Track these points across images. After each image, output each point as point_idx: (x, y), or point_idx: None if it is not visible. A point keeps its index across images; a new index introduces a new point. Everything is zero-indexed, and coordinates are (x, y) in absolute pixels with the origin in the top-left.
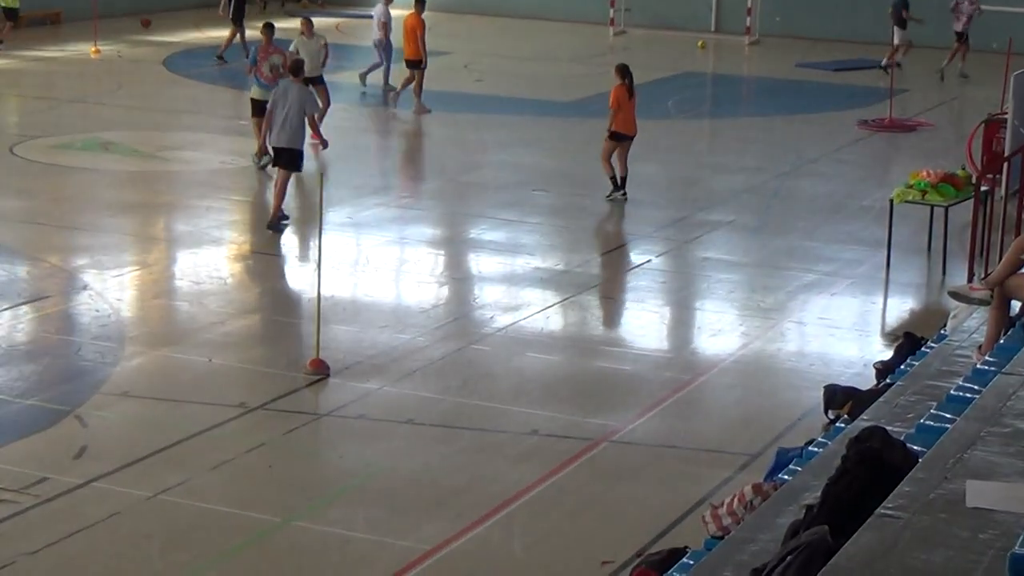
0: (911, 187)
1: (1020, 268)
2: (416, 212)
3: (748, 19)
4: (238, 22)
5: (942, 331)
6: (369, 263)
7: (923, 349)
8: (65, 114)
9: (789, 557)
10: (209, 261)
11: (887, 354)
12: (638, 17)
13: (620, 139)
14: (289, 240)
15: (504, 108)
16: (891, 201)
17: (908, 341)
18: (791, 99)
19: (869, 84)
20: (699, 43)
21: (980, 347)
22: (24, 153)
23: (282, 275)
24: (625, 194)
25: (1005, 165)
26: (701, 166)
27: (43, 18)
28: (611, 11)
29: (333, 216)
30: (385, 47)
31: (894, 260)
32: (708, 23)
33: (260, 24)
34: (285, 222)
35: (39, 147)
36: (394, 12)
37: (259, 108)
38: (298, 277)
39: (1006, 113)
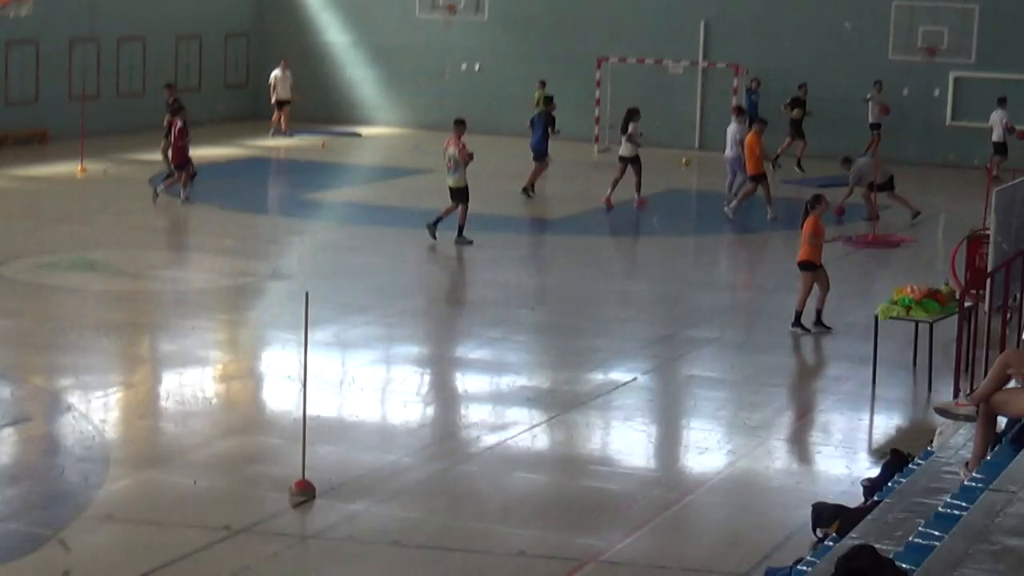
0: (896, 303)
1: (1005, 384)
2: (402, 331)
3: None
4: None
5: (929, 448)
6: (355, 382)
7: (910, 466)
8: (51, 233)
9: None
10: (195, 381)
11: (874, 471)
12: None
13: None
14: (274, 360)
15: (490, 226)
16: (876, 317)
17: (895, 458)
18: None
19: (853, 200)
20: (684, 160)
21: (967, 463)
22: (9, 273)
23: (268, 395)
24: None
25: (988, 281)
26: (687, 283)
27: (29, 137)
28: (595, 128)
29: (318, 335)
30: (739, 163)
31: (880, 376)
32: (692, 140)
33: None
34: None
35: (24, 267)
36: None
37: (455, 194)
38: (284, 397)
39: (988, 229)
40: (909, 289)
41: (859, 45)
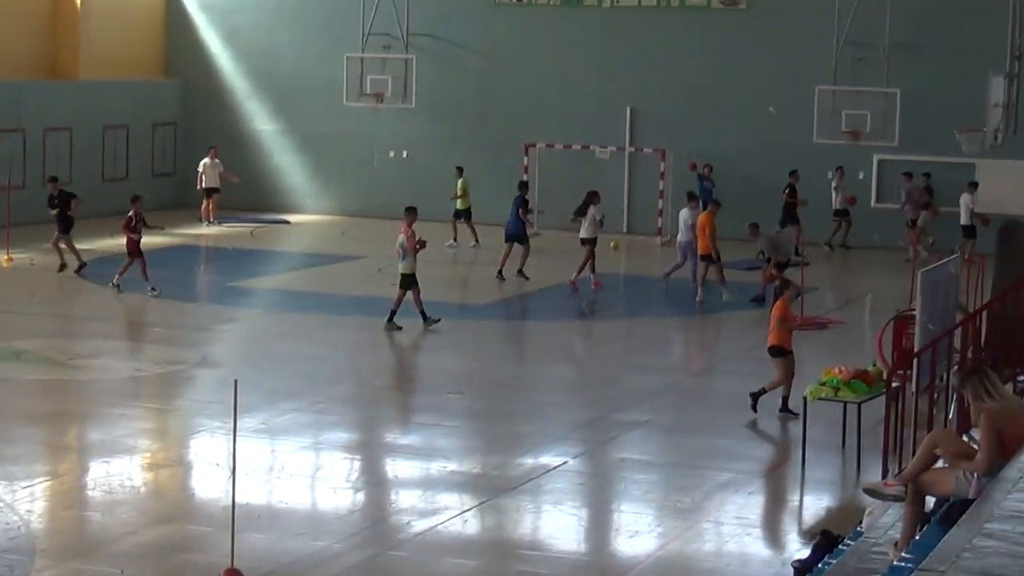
0: (824, 384)
1: (933, 463)
2: (331, 417)
3: (659, 220)
4: None
5: (858, 528)
6: (284, 469)
7: (840, 547)
8: None
9: None
10: (122, 470)
11: (805, 552)
12: (550, 219)
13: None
14: (203, 448)
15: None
16: (804, 398)
17: (825, 539)
18: (706, 299)
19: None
20: (612, 244)
21: (896, 544)
22: None
23: (196, 483)
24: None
25: (915, 361)
26: (617, 366)
27: None
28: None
29: (247, 422)
30: (692, 248)
31: (809, 457)
32: (620, 225)
33: None
34: None
35: None
36: None
37: (404, 280)
38: (212, 485)
39: (914, 310)
40: (837, 370)
41: (784, 129)
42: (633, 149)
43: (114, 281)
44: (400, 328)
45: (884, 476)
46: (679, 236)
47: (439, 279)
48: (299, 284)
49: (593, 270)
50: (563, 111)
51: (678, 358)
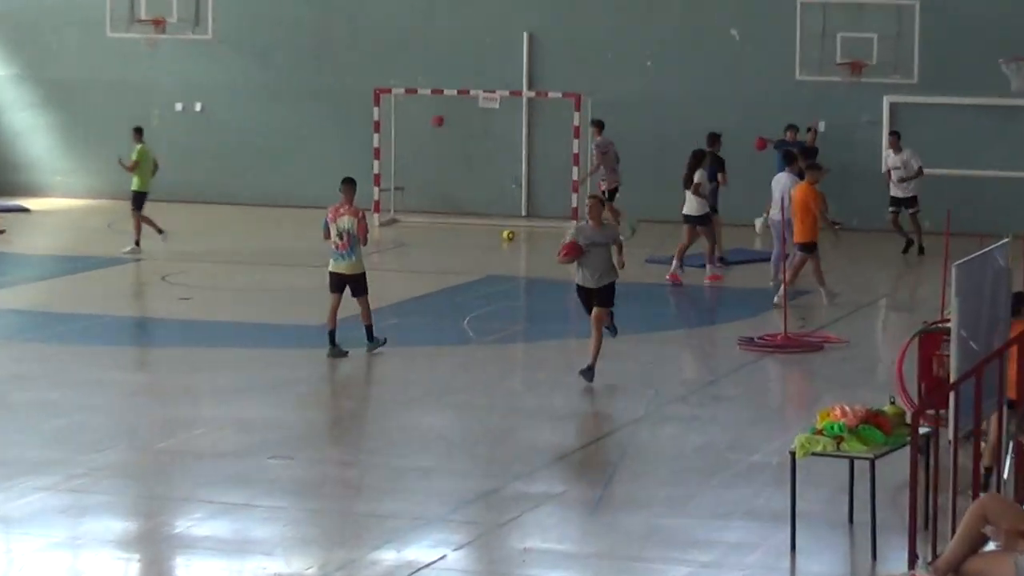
0: (820, 432)
1: (982, 545)
2: (97, 498)
3: (575, 197)
4: None
5: None
6: None
7: None
8: None
9: None
10: None
11: None
12: (416, 200)
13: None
14: None
15: (225, 338)
16: (792, 454)
17: None
18: (640, 310)
19: (751, 285)
20: (505, 233)
21: None
22: None
23: None
24: None
25: (952, 396)
26: (513, 411)
27: None
28: (376, 191)
29: None
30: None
31: (801, 541)
32: (518, 206)
33: None
34: None
35: None
36: None
37: (335, 283)
38: None
39: (948, 320)
40: (839, 411)
41: (752, 61)
42: (534, 94)
43: None
44: (384, 341)
45: (911, 566)
46: (771, 211)
47: (258, 290)
48: (45, 301)
49: (679, 257)
50: (430, 42)
51: (603, 398)
